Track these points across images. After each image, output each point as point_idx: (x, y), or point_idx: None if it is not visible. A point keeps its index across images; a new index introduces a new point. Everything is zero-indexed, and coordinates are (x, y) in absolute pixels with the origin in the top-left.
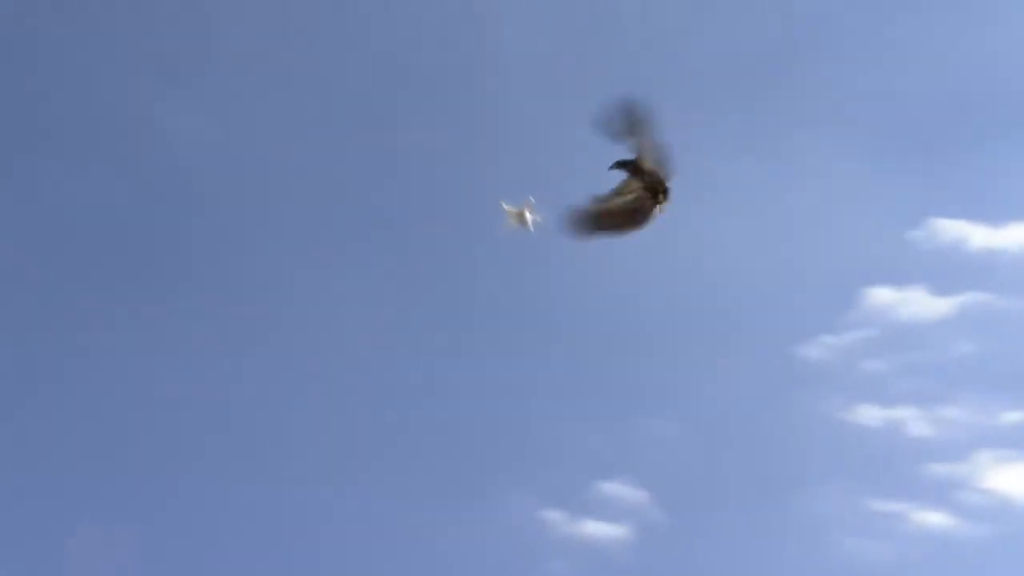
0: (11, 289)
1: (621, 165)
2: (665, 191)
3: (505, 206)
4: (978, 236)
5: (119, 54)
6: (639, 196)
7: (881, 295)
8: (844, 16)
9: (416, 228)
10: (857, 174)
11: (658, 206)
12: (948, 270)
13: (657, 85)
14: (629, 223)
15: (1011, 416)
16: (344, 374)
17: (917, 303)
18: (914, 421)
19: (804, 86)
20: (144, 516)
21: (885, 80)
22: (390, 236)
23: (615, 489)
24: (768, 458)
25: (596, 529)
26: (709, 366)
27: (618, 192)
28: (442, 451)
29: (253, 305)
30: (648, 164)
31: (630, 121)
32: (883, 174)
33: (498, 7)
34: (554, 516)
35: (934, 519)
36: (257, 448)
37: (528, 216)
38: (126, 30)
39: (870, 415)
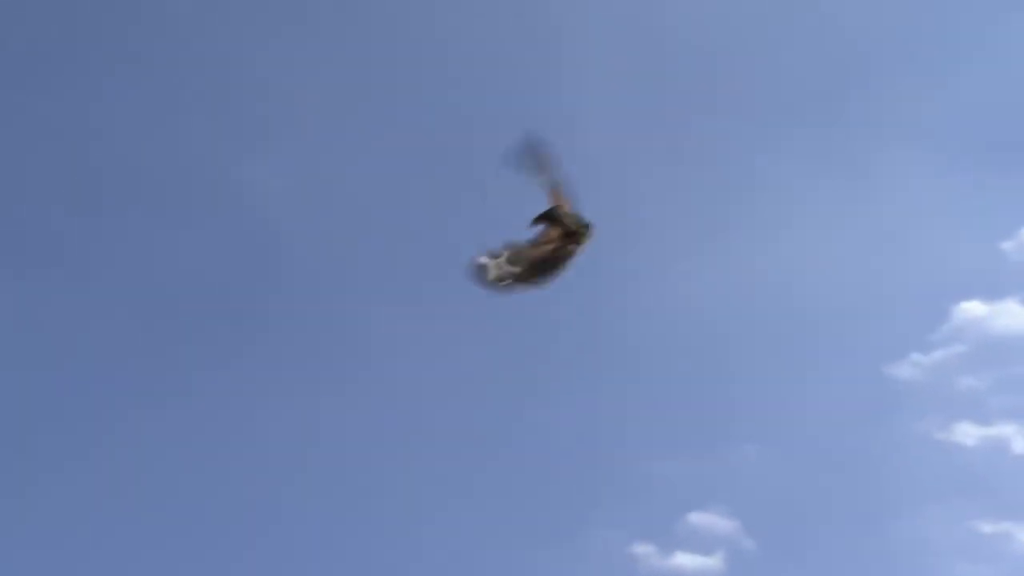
0: (107, 336)
1: (540, 219)
2: (585, 232)
3: (482, 260)
4: None
5: (202, 116)
6: (558, 245)
7: (973, 309)
8: (924, 27)
9: None
10: (944, 187)
11: (579, 247)
12: None
13: (738, 104)
14: (550, 270)
15: None
16: (431, 417)
17: (1011, 316)
18: (1016, 438)
19: (885, 100)
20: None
21: (969, 91)
22: (468, 280)
23: (705, 520)
24: (863, 482)
25: (687, 561)
26: (797, 390)
27: (536, 243)
28: (531, 490)
29: (339, 351)
30: (564, 210)
31: (535, 159)
32: (970, 186)
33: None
34: (645, 550)
35: None
36: (351, 491)
37: (501, 268)
38: (209, 93)
39: (968, 433)
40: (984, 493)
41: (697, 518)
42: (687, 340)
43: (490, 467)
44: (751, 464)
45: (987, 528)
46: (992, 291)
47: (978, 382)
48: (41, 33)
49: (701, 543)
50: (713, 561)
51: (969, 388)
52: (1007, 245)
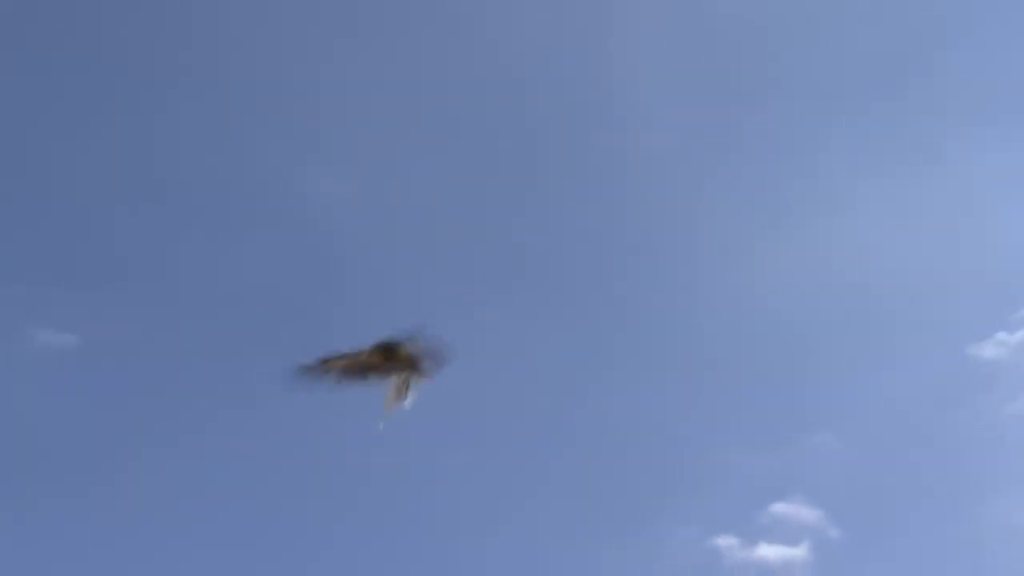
0: (178, 347)
1: (380, 347)
2: (413, 372)
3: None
4: None
5: (263, 128)
6: (379, 364)
7: None
8: (986, 4)
9: (561, 269)
10: (1016, 164)
11: (401, 377)
12: None
13: (800, 88)
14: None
15: None
16: (498, 410)
17: None
18: None
19: (949, 80)
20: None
21: None
22: (536, 277)
23: (788, 510)
24: (949, 466)
25: (772, 552)
26: (876, 375)
27: (359, 355)
28: (610, 485)
29: None
30: (407, 353)
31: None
32: None
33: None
34: (727, 542)
35: None
36: (415, 488)
37: (407, 391)
38: (267, 106)
39: None
40: None
41: (780, 508)
42: (761, 329)
43: (563, 461)
44: (833, 451)
45: None
46: None
47: None
48: (110, 45)
49: (785, 533)
50: (798, 551)
51: None
52: None
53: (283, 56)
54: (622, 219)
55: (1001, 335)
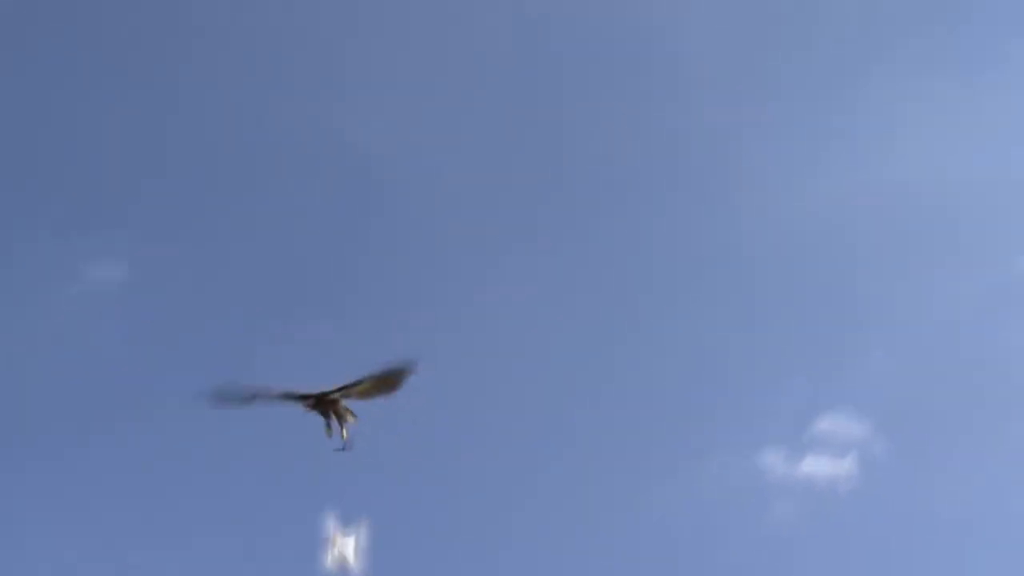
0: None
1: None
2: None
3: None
4: None
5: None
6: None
7: None
8: None
9: (601, 195)
10: None
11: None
12: None
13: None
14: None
15: None
16: (548, 344)
17: None
18: None
19: None
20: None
21: None
22: (577, 204)
23: (835, 423)
24: (1000, 377)
25: (818, 466)
26: (926, 288)
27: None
28: (653, 408)
29: (454, 298)
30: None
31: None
32: None
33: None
34: (773, 459)
35: None
36: (468, 425)
37: (350, 548)
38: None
39: None
40: None
41: (826, 422)
42: (809, 245)
43: (606, 385)
44: (881, 364)
45: None
46: None
47: None
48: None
49: (832, 447)
50: (845, 463)
51: None
52: None
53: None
54: (668, 147)
55: None
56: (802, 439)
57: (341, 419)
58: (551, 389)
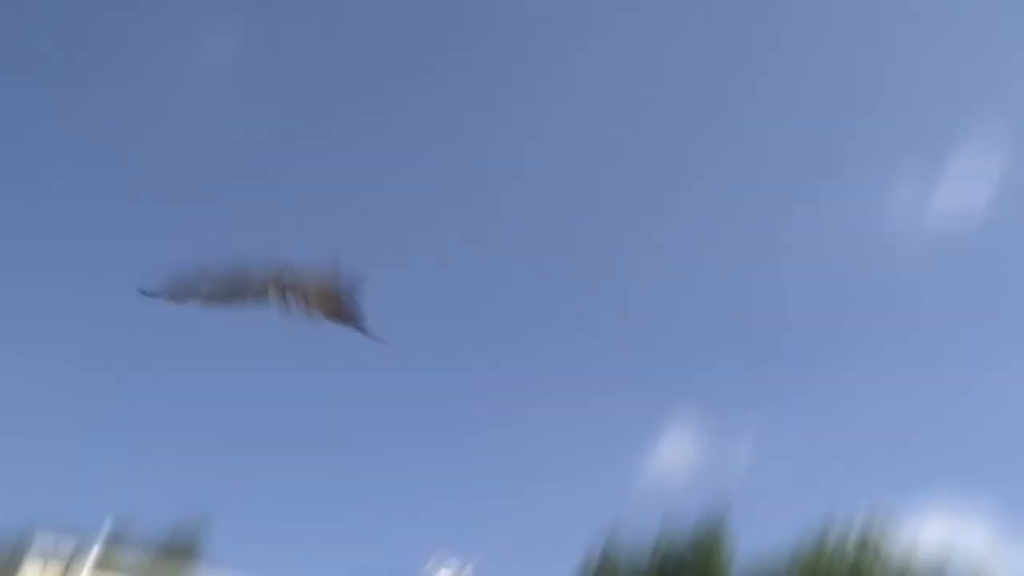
0: None
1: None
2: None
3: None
4: None
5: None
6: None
7: None
8: None
9: None
10: None
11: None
12: None
13: None
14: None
15: None
16: (675, 106)
17: None
18: None
19: None
20: None
21: None
22: None
23: (973, 150)
24: None
25: (953, 196)
26: None
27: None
28: (784, 133)
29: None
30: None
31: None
32: None
33: None
34: (908, 191)
35: None
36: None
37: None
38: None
39: None
40: None
41: (963, 153)
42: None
43: (734, 129)
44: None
45: None
46: None
47: None
48: None
49: (969, 177)
50: (983, 193)
51: None
52: None
53: None
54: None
55: None
56: (939, 171)
57: (309, 301)
58: (684, 139)
